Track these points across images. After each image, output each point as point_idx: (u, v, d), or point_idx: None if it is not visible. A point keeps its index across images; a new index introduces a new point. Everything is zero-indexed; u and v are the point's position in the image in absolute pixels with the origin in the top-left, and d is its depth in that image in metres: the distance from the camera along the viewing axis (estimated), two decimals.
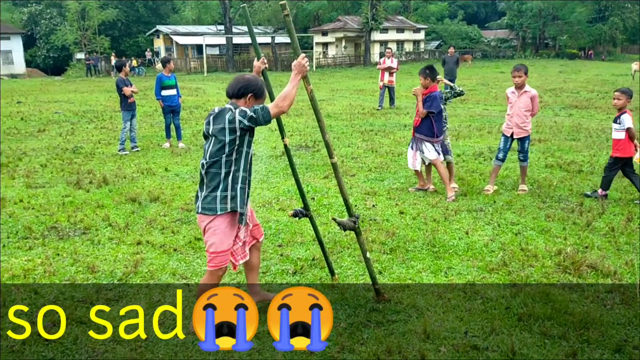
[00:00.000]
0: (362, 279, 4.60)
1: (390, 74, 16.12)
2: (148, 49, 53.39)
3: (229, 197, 3.56)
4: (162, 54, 50.95)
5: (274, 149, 10.41)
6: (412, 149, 7.13)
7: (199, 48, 49.40)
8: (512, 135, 7.16)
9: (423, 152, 6.99)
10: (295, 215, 4.22)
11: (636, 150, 6.66)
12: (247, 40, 53.00)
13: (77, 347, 3.58)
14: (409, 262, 4.97)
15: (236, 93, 3.61)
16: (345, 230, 4.07)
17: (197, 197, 3.68)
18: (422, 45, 60.44)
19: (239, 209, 3.60)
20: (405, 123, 13.59)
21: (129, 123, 10.30)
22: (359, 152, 10.15)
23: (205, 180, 3.59)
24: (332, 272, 4.62)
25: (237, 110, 3.47)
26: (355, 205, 6.68)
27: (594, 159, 9.06)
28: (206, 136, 3.61)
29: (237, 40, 49.83)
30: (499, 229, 5.79)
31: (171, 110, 10.68)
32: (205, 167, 3.58)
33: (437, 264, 4.90)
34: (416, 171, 7.28)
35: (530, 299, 4.13)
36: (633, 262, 4.81)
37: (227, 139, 3.47)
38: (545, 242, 5.39)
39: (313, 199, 6.98)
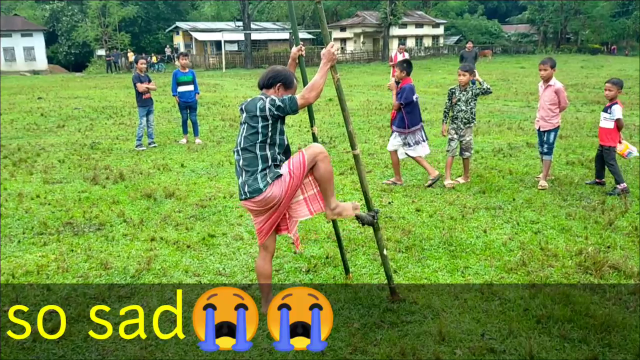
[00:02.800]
0: (376, 278, 4.51)
1: None
2: (167, 45, 53.77)
3: (268, 173, 3.58)
4: (182, 50, 51.24)
5: (291, 143, 10.33)
6: (397, 142, 7.41)
7: (217, 44, 49.59)
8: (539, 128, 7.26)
9: (408, 147, 7.33)
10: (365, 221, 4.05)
11: (620, 142, 6.91)
12: (265, 36, 53.14)
13: (88, 345, 3.56)
14: (425, 261, 4.87)
15: (266, 83, 3.72)
16: (363, 224, 3.98)
17: (239, 187, 3.70)
18: (441, 41, 59.89)
19: (281, 174, 3.61)
20: (423, 119, 13.40)
21: (144, 119, 10.33)
22: (376, 148, 10.05)
23: (242, 165, 3.62)
24: (347, 270, 4.55)
25: (268, 99, 3.56)
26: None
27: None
28: (241, 124, 3.70)
29: (255, 36, 49.92)
30: (518, 228, 5.65)
31: (187, 106, 10.70)
32: (240, 153, 3.62)
33: (453, 263, 4.79)
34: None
35: (549, 301, 4.00)
36: None
37: (260, 125, 3.55)
38: (565, 241, 5.25)
39: None
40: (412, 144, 7.29)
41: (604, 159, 7.03)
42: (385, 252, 4.07)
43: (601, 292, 4.16)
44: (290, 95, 3.57)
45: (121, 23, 51.57)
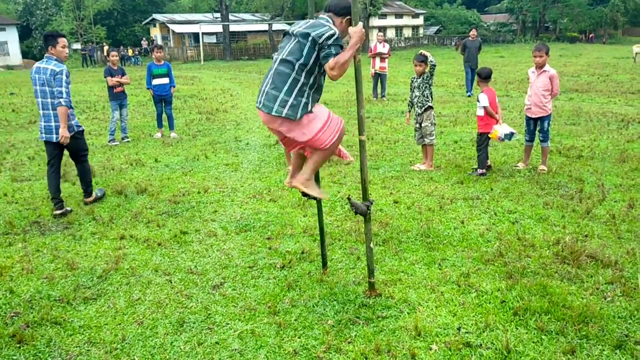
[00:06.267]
0: (352, 272, 4.41)
1: (382, 60, 15.18)
2: (144, 38, 53.00)
3: (289, 104, 3.43)
4: (159, 42, 50.55)
5: (267, 137, 10.20)
6: None
7: (195, 36, 48.99)
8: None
9: None
10: (304, 194, 3.94)
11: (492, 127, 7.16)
12: (244, 28, 52.65)
13: (50, 349, 3.40)
14: (402, 253, 4.77)
15: (338, 10, 3.54)
16: (357, 213, 3.85)
17: (264, 92, 3.51)
18: (421, 31, 59.94)
19: (295, 119, 3.48)
20: (402, 109, 13.37)
21: (117, 113, 10.10)
22: (355, 139, 9.93)
23: (272, 77, 3.47)
24: (324, 264, 4.43)
25: (332, 31, 3.37)
26: (349, 195, 6.48)
27: (594, 144, 8.84)
28: (288, 35, 3.53)
29: (233, 28, 49.42)
30: (496, 218, 5.59)
31: (161, 99, 10.48)
32: (278, 63, 3.46)
33: (431, 256, 4.71)
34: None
35: (526, 292, 3.94)
36: (635, 251, 4.60)
37: (307, 47, 3.39)
38: (543, 231, 5.20)
39: None
40: None
41: (477, 143, 7.30)
42: (372, 245, 3.95)
43: (579, 283, 4.11)
44: (336, 51, 3.36)
45: (96, 16, 50.68)
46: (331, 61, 3.35)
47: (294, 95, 3.44)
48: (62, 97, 5.75)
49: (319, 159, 3.71)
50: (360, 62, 3.63)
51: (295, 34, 3.47)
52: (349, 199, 3.96)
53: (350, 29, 3.49)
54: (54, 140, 5.92)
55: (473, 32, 16.04)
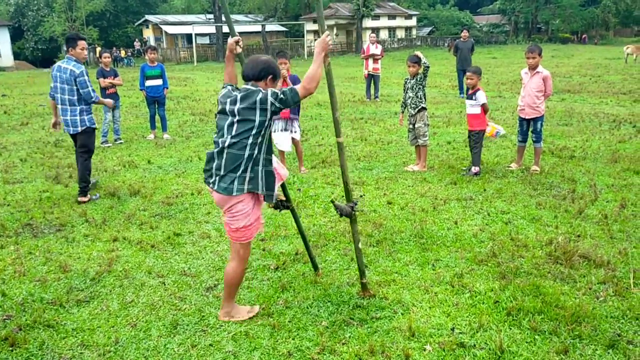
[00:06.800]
0: (346, 274, 4.41)
1: (375, 61, 15.10)
2: (137, 39, 52.84)
3: (247, 179, 3.44)
4: (152, 44, 50.41)
5: None
6: (286, 130, 7.40)
7: (188, 37, 48.89)
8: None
9: (295, 133, 7.47)
10: (276, 207, 4.03)
11: (488, 124, 7.33)
12: (237, 29, 52.39)
13: (43, 352, 3.38)
14: (396, 254, 4.78)
15: (257, 75, 3.52)
16: (342, 215, 3.87)
17: (211, 173, 3.51)
18: (414, 32, 60.02)
19: (259, 191, 3.48)
20: (395, 110, 13.39)
21: (109, 114, 10.06)
22: (348, 140, 9.95)
23: (223, 159, 3.44)
24: (315, 267, 4.43)
25: (269, 92, 3.40)
26: (342, 196, 6.49)
27: (587, 144, 8.89)
28: (224, 113, 3.48)
29: (227, 29, 49.26)
30: (489, 218, 5.61)
31: (154, 100, 10.46)
32: (225, 146, 3.43)
33: (424, 256, 4.72)
34: (282, 152, 7.64)
35: (519, 292, 3.95)
36: (627, 251, 4.63)
37: (258, 119, 3.39)
38: (536, 231, 5.22)
39: (299, 189, 6.79)
40: (298, 129, 7.57)
41: (471, 143, 7.30)
42: (360, 245, 3.96)
43: (571, 283, 4.13)
44: (291, 87, 3.42)
45: (89, 17, 50.45)
46: (299, 88, 3.39)
47: (249, 169, 3.45)
48: (91, 97, 6.47)
49: (230, 285, 3.68)
50: (330, 65, 3.64)
51: (235, 111, 3.42)
52: (332, 202, 3.98)
53: (316, 40, 3.53)
54: (71, 132, 6.56)
55: (465, 33, 15.75)
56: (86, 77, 6.40)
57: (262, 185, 3.50)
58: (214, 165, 3.50)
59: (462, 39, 15.61)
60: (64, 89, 6.41)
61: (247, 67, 3.56)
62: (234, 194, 3.43)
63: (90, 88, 6.44)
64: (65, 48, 6.51)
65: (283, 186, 4.10)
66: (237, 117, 3.42)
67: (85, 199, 6.51)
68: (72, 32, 7.12)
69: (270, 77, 3.54)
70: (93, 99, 6.50)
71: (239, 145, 3.41)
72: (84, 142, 6.59)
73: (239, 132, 3.40)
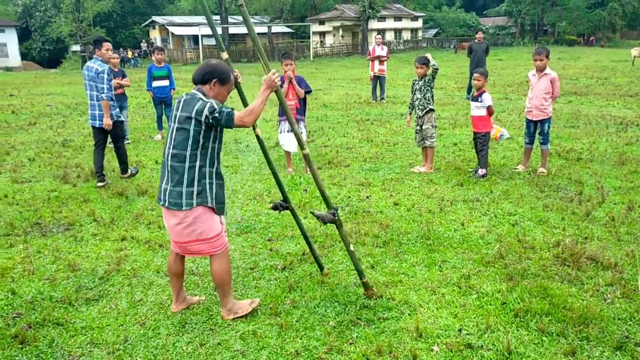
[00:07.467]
0: (353, 274, 4.41)
1: (381, 63, 15.08)
2: (143, 40, 53.04)
3: (195, 192, 3.42)
4: (158, 44, 50.62)
5: (267, 139, 10.21)
6: (290, 131, 7.38)
7: (195, 38, 49.05)
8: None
9: (301, 134, 7.47)
10: (275, 208, 4.05)
11: (492, 127, 7.37)
12: (243, 30, 52.64)
13: (53, 350, 3.41)
14: (403, 255, 4.79)
15: (201, 79, 3.52)
16: (325, 223, 3.89)
17: (160, 188, 3.54)
18: (420, 34, 60.03)
19: (208, 204, 3.47)
20: (401, 112, 13.40)
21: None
22: (354, 142, 9.96)
23: (169, 173, 3.45)
24: (321, 268, 4.44)
25: (208, 104, 3.35)
26: (349, 197, 6.51)
27: (593, 146, 8.87)
28: (173, 119, 3.49)
29: (233, 30, 49.47)
30: (496, 220, 5.61)
31: (161, 101, 10.51)
32: (169, 158, 3.43)
33: (431, 257, 4.72)
34: (288, 153, 7.68)
35: (527, 294, 3.96)
36: (634, 253, 4.63)
37: (192, 129, 3.36)
38: (543, 233, 5.22)
39: (306, 190, 6.81)
40: (304, 130, 7.61)
41: (477, 145, 7.30)
42: (351, 247, 3.98)
43: (579, 284, 4.13)
44: (230, 110, 3.37)
45: (96, 18, 50.69)
46: (237, 117, 3.35)
47: (196, 182, 3.43)
48: (103, 93, 6.94)
49: (221, 285, 3.70)
50: (239, 77, 3.74)
51: (175, 118, 3.44)
52: (312, 212, 4.01)
53: (263, 77, 3.52)
54: (97, 126, 7.14)
55: (480, 35, 15.56)
56: (106, 76, 6.96)
57: (212, 197, 3.48)
58: (163, 180, 3.50)
59: (476, 41, 15.42)
60: (91, 86, 7.04)
61: (195, 71, 3.57)
62: (184, 208, 3.41)
63: (106, 85, 6.95)
64: (72, 49, 6.77)
65: (281, 187, 4.13)
66: (175, 124, 3.41)
67: (127, 175, 7.55)
68: (98, 35, 7.58)
69: (215, 80, 3.49)
70: (103, 96, 6.92)
71: (179, 157, 3.38)
72: (116, 133, 7.34)
73: (177, 141, 3.38)
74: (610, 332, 3.45)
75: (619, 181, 6.86)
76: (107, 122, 7.03)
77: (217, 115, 3.33)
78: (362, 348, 3.35)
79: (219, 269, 3.63)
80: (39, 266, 4.67)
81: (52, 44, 53.26)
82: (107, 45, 7.16)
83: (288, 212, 4.27)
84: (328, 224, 4.03)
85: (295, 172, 7.65)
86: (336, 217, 3.86)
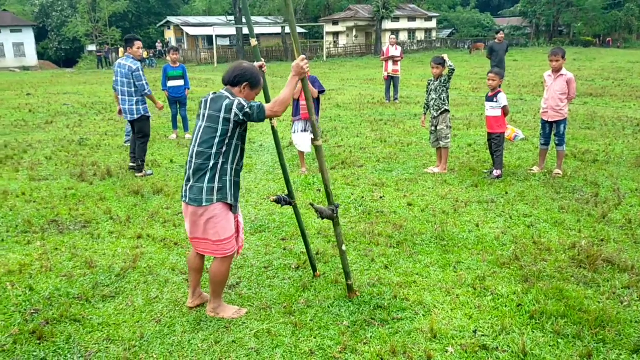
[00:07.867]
0: (367, 274, 4.42)
1: (395, 63, 15.03)
2: (159, 40, 53.39)
3: (215, 189, 3.46)
4: (173, 45, 50.90)
5: (281, 139, 10.23)
6: (305, 131, 7.47)
7: (209, 39, 49.29)
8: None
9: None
10: (277, 201, 4.05)
11: (506, 127, 7.39)
12: (257, 30, 52.77)
13: (70, 346, 3.45)
14: (417, 256, 4.78)
15: (232, 80, 3.55)
16: (323, 218, 3.90)
17: (182, 187, 3.60)
18: (434, 34, 59.80)
19: (228, 201, 3.51)
20: (415, 112, 13.36)
21: None
22: (368, 142, 9.96)
23: (192, 168, 3.49)
24: (314, 268, 4.43)
25: (236, 101, 3.39)
26: (363, 197, 6.51)
27: (610, 148, 8.79)
28: (200, 117, 3.54)
29: (247, 30, 49.55)
30: (511, 221, 5.58)
31: (176, 101, 10.60)
32: (194, 155, 3.47)
33: (445, 258, 4.71)
34: (302, 153, 7.73)
35: (542, 296, 3.93)
36: None
37: (220, 128, 3.40)
38: (559, 235, 5.18)
39: (319, 190, 6.81)
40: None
41: (492, 146, 7.25)
42: (343, 247, 3.98)
43: (595, 287, 4.09)
44: (259, 103, 3.42)
45: (112, 18, 51.11)
46: (267, 108, 3.41)
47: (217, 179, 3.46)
48: (145, 89, 7.57)
49: (215, 284, 3.71)
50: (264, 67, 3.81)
51: (202, 115, 3.48)
52: (311, 205, 4.02)
53: (292, 64, 3.53)
54: (129, 119, 7.74)
55: (501, 35, 14.70)
56: (141, 73, 7.53)
57: (231, 195, 3.52)
58: (185, 177, 3.55)
59: (497, 41, 14.65)
60: (123, 82, 7.53)
61: (226, 72, 3.60)
62: (204, 204, 3.44)
63: (144, 82, 7.54)
64: (88, 49, 6.98)
65: (287, 181, 4.14)
66: (203, 123, 3.44)
67: (141, 174, 7.68)
68: (130, 34, 7.74)
69: (246, 84, 3.52)
70: (146, 92, 7.57)
71: (204, 154, 3.42)
72: (141, 128, 7.76)
73: (204, 139, 3.41)
74: (627, 335, 3.42)
75: (636, 183, 6.79)
76: (160, 105, 8.26)
77: (248, 110, 3.38)
78: (376, 348, 3.35)
79: (218, 270, 3.66)
80: (57, 263, 4.73)
81: (68, 43, 53.83)
82: (139, 43, 7.64)
83: (283, 206, 4.25)
84: (325, 220, 4.03)
85: (308, 172, 7.67)
86: (335, 214, 3.87)
